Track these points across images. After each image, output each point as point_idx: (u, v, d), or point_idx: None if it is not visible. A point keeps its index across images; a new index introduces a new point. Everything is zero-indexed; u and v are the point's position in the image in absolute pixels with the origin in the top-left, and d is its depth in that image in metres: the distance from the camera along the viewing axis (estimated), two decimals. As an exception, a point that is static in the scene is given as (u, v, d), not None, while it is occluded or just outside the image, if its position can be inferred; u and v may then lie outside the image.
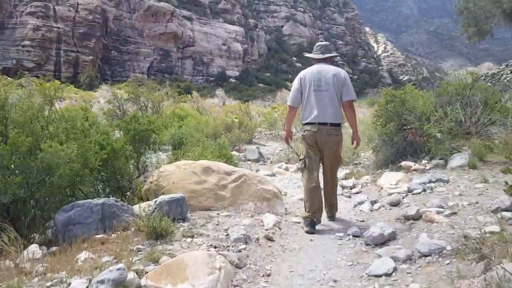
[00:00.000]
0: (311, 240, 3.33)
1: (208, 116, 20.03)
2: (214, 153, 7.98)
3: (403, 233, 3.26)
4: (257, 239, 3.14)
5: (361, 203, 4.74)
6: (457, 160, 5.49)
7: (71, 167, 3.50)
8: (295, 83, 3.85)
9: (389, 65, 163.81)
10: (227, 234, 3.03)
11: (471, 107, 6.66)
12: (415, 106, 6.07)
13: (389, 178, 5.33)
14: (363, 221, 3.96)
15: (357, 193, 5.79)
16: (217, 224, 3.31)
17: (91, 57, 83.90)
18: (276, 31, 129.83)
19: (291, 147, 9.66)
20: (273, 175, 7.77)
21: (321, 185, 3.89)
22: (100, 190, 4.60)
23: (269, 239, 3.17)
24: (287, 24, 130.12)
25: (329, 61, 3.87)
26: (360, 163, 9.65)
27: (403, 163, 6.01)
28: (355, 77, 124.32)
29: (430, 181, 4.86)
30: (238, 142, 10.43)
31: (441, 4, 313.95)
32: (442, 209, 3.60)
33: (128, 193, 4.19)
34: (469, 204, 3.70)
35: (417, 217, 3.55)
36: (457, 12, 8.57)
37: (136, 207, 3.53)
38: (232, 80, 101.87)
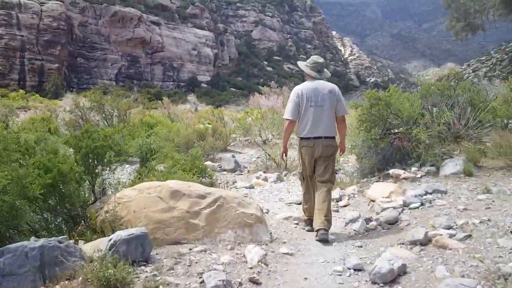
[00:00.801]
0: (305, 278, 2.73)
1: (180, 122, 19.23)
2: (186, 166, 7.29)
3: (414, 265, 2.72)
4: (240, 283, 2.51)
5: (353, 220, 4.20)
6: (451, 166, 5.06)
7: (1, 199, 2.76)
8: (293, 98, 3.91)
9: (356, 67, 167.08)
10: (202, 282, 2.38)
11: (459, 109, 6.29)
12: (401, 109, 5.62)
13: (380, 190, 4.82)
14: (361, 246, 3.41)
15: (344, 206, 5.26)
16: (189, 265, 2.65)
17: (56, 65, 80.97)
18: (246, 36, 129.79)
19: (269, 155, 9.10)
20: (252, 187, 7.16)
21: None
22: (50, 220, 3.86)
23: (255, 282, 2.55)
24: (256, 28, 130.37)
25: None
26: (341, 169, 9.22)
27: (391, 171, 5.54)
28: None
29: (426, 193, 4.38)
30: (212, 151, 9.76)
31: (404, 7, 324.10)
32: (453, 231, 3.09)
33: (79, 226, 3.46)
34: (481, 223, 3.21)
35: (425, 242, 3.03)
36: (444, 6, 8.29)
37: (87, 247, 2.83)
38: (203, 85, 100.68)
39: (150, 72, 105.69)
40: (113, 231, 3.27)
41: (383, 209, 4.26)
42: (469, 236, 2.96)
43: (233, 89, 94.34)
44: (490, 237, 2.91)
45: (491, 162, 5.10)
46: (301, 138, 3.94)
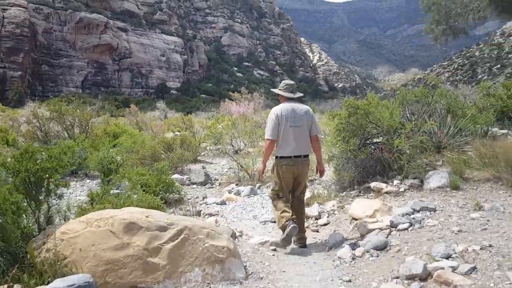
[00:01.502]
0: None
1: (149, 131, 18.42)
2: (151, 182, 6.69)
3: (417, 308, 2.31)
4: None
5: (337, 245, 3.78)
6: (436, 180, 4.74)
7: None
8: (273, 117, 4.05)
9: (325, 73, 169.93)
10: None
11: (438, 117, 6.04)
12: (380, 118, 5.28)
13: (363, 207, 4.43)
14: (350, 280, 2.97)
15: (325, 225, 4.85)
16: (146, 322, 2.13)
17: (19, 73, 77.70)
18: (215, 42, 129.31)
19: (241, 166, 8.61)
20: (224, 203, 6.64)
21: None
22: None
23: None
24: (225, 34, 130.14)
25: (299, 99, 4.21)
26: (316, 179, 8.86)
27: (372, 184, 5.18)
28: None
29: (414, 211, 4.02)
30: (181, 163, 9.17)
31: (369, 14, 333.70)
32: (454, 262, 2.70)
33: (14, 269, 2.83)
34: (482, 249, 2.85)
35: (425, 277, 2.62)
36: (424, 8, 8.10)
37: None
38: (173, 91, 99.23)
39: (117, 79, 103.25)
40: (55, 275, 2.69)
41: (369, 231, 3.86)
42: (474, 268, 2.58)
43: (204, 96, 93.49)
44: (497, 269, 2.54)
45: (477, 173, 4.82)
46: (281, 157, 4.07)
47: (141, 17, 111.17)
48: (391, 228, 3.77)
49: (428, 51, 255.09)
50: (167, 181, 6.91)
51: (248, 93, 40.98)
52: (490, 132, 6.36)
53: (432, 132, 5.52)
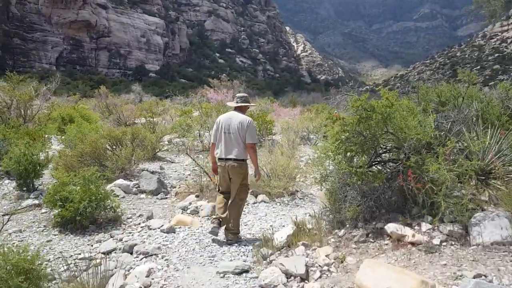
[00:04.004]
0: None
1: (119, 116, 16.29)
2: (74, 196, 4.77)
3: None
4: None
5: None
6: (490, 229, 3.06)
7: None
8: (215, 125, 4.68)
9: (308, 64, 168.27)
10: None
11: (473, 127, 4.33)
12: (404, 127, 3.52)
13: (382, 279, 2.67)
14: None
15: (316, 294, 3.08)
16: None
17: (-13, 45, 72.93)
18: (199, 26, 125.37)
19: (204, 171, 6.75)
20: (173, 230, 4.78)
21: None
22: None
23: None
24: (209, 19, 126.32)
25: (243, 109, 4.69)
26: (298, 191, 7.11)
27: (389, 227, 3.45)
28: (277, 75, 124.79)
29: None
30: (129, 164, 7.23)
31: (355, 8, 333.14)
32: None
33: None
34: None
35: None
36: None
37: None
38: (152, 74, 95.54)
39: (94, 58, 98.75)
40: None
41: None
42: None
43: (183, 80, 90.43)
44: None
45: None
46: (218, 158, 4.57)
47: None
48: None
49: (411, 48, 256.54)
50: (99, 194, 5.01)
51: (228, 80, 38.89)
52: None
53: (474, 153, 3.79)
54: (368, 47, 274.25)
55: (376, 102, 3.64)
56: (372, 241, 3.60)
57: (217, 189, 4.83)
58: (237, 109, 4.65)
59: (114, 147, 7.48)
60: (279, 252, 3.89)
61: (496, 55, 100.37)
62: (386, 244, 3.46)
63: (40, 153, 6.58)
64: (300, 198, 6.78)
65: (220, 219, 4.48)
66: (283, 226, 5.11)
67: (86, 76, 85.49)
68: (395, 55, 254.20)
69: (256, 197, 6.49)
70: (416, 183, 3.42)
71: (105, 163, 6.87)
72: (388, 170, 3.87)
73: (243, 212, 5.68)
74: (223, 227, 4.56)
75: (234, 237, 4.48)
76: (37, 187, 6.34)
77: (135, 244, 4.16)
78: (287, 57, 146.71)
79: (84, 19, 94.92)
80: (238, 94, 4.82)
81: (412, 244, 3.28)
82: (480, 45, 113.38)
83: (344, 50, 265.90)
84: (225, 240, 4.51)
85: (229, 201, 4.53)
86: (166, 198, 6.50)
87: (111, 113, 18.96)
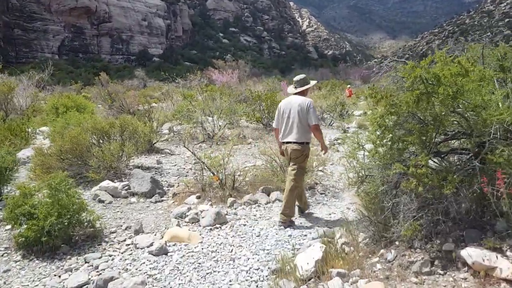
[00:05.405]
0: None
1: (121, 103, 15.22)
2: (40, 211, 3.75)
3: None
4: None
5: None
6: None
7: None
8: (277, 111, 4.79)
9: (314, 40, 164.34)
10: None
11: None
12: (484, 104, 2.38)
13: None
14: None
15: None
16: None
17: (-11, 37, 72.10)
18: (200, 6, 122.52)
19: (206, 166, 5.66)
20: (164, 250, 3.71)
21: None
22: None
23: None
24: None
25: (304, 92, 4.72)
26: (318, 183, 5.99)
27: (468, 255, 2.35)
28: (283, 52, 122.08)
29: None
30: (117, 162, 6.16)
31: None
32: None
33: None
34: None
35: None
36: None
37: None
38: (155, 59, 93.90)
39: (96, 45, 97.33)
40: None
41: None
42: None
43: (188, 63, 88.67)
44: None
45: None
46: (281, 143, 4.71)
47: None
48: None
49: (419, 18, 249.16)
50: (72, 205, 3.97)
51: (233, 61, 37.20)
52: None
53: None
54: (375, 18, 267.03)
55: (442, 69, 2.47)
56: (441, 272, 2.49)
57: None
58: (298, 93, 4.65)
59: (101, 141, 6.42)
60: (305, 286, 2.82)
61: (507, 20, 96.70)
62: (465, 280, 2.36)
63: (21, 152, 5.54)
64: (321, 193, 5.68)
65: (299, 206, 4.73)
66: (305, 236, 4.04)
67: (89, 64, 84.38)
68: (402, 25, 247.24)
69: (268, 195, 5.41)
70: (509, 188, 2.28)
71: (88, 161, 5.82)
72: (455, 165, 2.73)
73: (253, 217, 4.66)
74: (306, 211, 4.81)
75: (286, 219, 4.38)
76: (5, 195, 5.33)
77: (112, 278, 3.11)
78: (292, 33, 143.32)
79: (84, 5, 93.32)
80: (295, 78, 4.78)
81: (505, 281, 2.18)
82: (490, 10, 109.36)
83: (350, 23, 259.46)
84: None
85: (286, 183, 4.59)
86: (162, 200, 5.45)
87: (114, 101, 17.98)
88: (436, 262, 2.58)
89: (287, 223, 4.36)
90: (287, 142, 4.51)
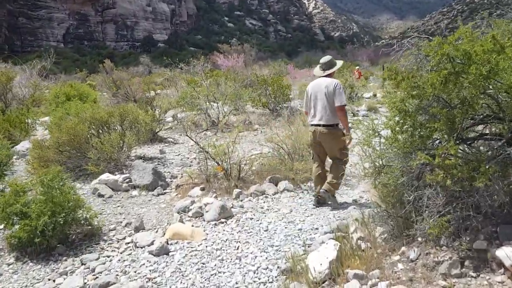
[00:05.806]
0: None
1: (126, 90, 14.96)
2: (33, 210, 3.51)
3: None
4: None
5: None
6: None
7: None
8: (305, 94, 4.73)
9: (321, 21, 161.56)
10: None
11: None
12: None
13: None
14: None
15: None
16: None
17: (-5, 26, 72.00)
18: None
19: (210, 155, 5.39)
20: (165, 250, 3.46)
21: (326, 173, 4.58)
22: None
23: None
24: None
25: (331, 74, 4.60)
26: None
27: (505, 256, 2.04)
28: (289, 35, 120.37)
29: None
30: (118, 153, 5.91)
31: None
32: None
33: None
34: None
35: None
36: None
37: None
38: (160, 44, 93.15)
39: (101, 32, 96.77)
40: None
41: None
42: None
43: (193, 48, 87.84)
44: None
45: None
46: (310, 125, 4.61)
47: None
48: None
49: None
50: (67, 203, 3.73)
51: (239, 45, 36.54)
52: None
53: None
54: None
55: (473, 46, 2.13)
56: (474, 274, 2.20)
57: (311, 157, 4.85)
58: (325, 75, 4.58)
59: (100, 132, 6.16)
60: (319, 290, 2.55)
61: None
62: (502, 283, 2.07)
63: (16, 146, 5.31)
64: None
65: (319, 196, 4.46)
66: (317, 229, 3.76)
67: (94, 51, 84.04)
68: (410, 5, 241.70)
69: (276, 184, 5.13)
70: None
71: (87, 153, 5.57)
72: (485, 154, 2.41)
73: (261, 210, 4.39)
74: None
75: (329, 192, 4.31)
76: None
77: (108, 284, 2.87)
78: (298, 15, 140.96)
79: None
80: (321, 60, 4.64)
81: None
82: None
83: (357, 5, 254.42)
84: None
85: (331, 164, 4.54)
86: (165, 193, 5.20)
87: (119, 88, 17.73)
88: (466, 263, 2.29)
89: (328, 194, 4.31)
90: (316, 125, 4.44)
